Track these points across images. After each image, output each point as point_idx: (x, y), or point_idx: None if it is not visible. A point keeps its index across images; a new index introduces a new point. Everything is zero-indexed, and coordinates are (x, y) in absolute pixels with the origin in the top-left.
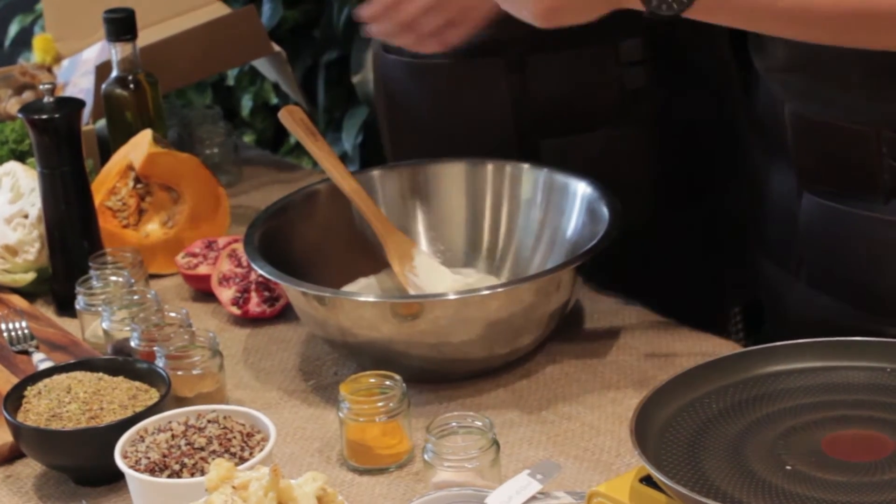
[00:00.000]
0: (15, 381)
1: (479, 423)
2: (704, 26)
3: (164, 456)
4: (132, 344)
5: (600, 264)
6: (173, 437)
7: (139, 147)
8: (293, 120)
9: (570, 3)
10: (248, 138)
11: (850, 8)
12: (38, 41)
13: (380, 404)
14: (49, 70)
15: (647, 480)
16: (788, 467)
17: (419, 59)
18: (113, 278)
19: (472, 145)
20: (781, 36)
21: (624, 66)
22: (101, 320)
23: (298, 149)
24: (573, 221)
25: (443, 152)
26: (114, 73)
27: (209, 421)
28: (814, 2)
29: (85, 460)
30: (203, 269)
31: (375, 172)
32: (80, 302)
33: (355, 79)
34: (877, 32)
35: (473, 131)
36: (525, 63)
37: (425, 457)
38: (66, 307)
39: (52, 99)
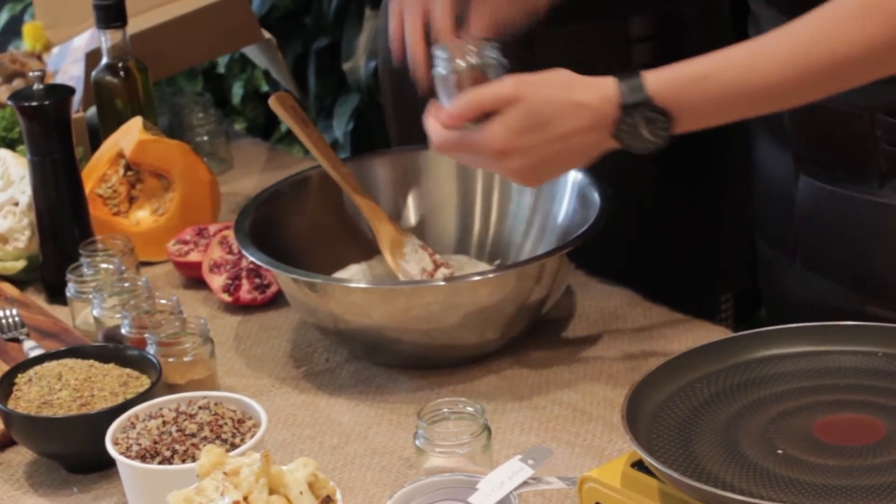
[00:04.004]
0: (5, 368)
1: (470, 409)
2: (707, 8)
3: (156, 442)
4: (123, 331)
5: (593, 249)
6: (164, 423)
7: (130, 134)
8: (284, 107)
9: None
10: (238, 126)
11: (823, 66)
12: (28, 29)
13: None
14: (39, 58)
15: (639, 465)
16: (780, 451)
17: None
18: (103, 266)
19: None
20: (771, 111)
21: (631, 42)
22: (91, 308)
23: (289, 136)
24: (564, 207)
25: None
26: (104, 61)
27: (200, 407)
28: (782, 75)
29: (76, 447)
30: (194, 257)
31: (366, 159)
32: (70, 289)
33: (346, 66)
34: (856, 77)
35: None
36: (533, 38)
37: (417, 443)
38: (56, 295)
39: (41, 86)
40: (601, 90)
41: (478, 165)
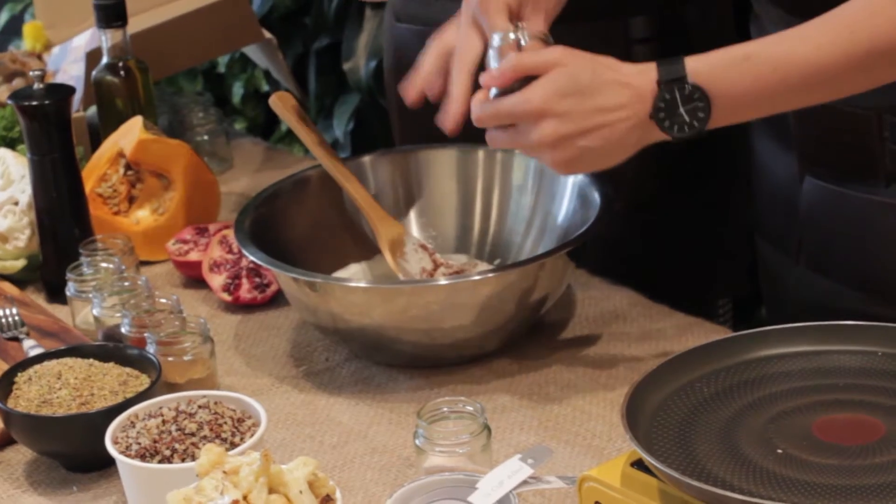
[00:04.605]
0: (5, 367)
1: (470, 408)
2: (710, 8)
3: (155, 441)
4: (123, 330)
5: (593, 248)
6: (164, 422)
7: (130, 134)
8: (284, 107)
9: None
10: (239, 125)
11: (863, 50)
12: (29, 29)
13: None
14: (39, 57)
15: (639, 464)
16: (780, 451)
17: (432, 27)
18: (103, 265)
19: None
20: (811, 105)
21: (632, 42)
22: (91, 307)
23: (290, 136)
24: (564, 207)
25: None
26: (104, 60)
27: (200, 406)
28: (823, 58)
29: (76, 446)
30: (194, 256)
31: (366, 159)
32: (70, 289)
33: (346, 66)
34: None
35: None
36: None
37: (416, 442)
38: (56, 294)
39: (42, 86)
40: (643, 71)
41: (513, 142)
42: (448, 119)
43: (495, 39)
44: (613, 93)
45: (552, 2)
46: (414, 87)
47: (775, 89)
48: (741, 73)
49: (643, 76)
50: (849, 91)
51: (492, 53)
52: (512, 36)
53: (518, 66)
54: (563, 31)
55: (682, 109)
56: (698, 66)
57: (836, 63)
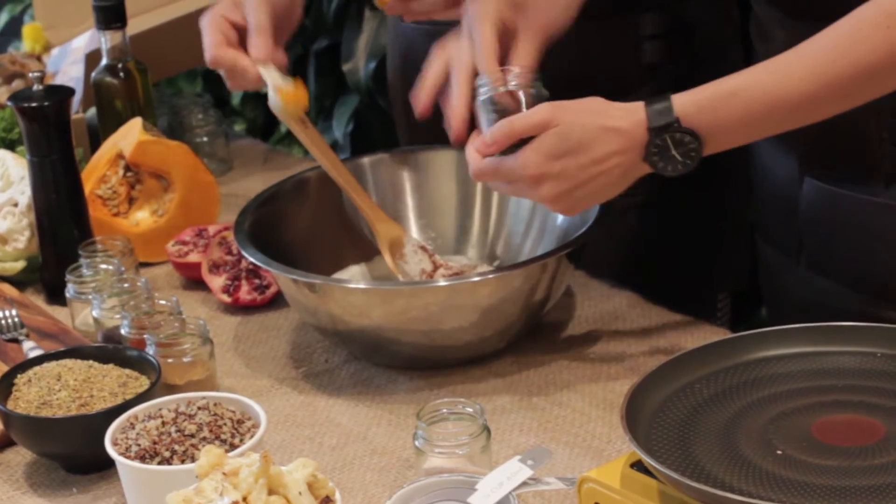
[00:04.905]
0: (5, 369)
1: (469, 410)
2: (715, 7)
3: (155, 443)
4: (122, 332)
5: (592, 249)
6: (164, 424)
7: (129, 135)
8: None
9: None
10: (238, 127)
11: (846, 77)
12: (28, 30)
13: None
14: (39, 59)
15: (638, 466)
16: (779, 452)
17: (439, 27)
18: (103, 266)
19: None
20: (799, 125)
21: (642, 39)
22: (91, 308)
23: (289, 137)
24: None
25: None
26: (103, 62)
27: (199, 408)
28: (806, 88)
29: (75, 448)
30: (193, 257)
31: (366, 160)
32: (70, 290)
33: (346, 67)
34: (882, 86)
35: None
36: None
37: (416, 443)
38: (56, 295)
39: (41, 87)
40: (632, 114)
41: (515, 194)
42: (451, 131)
43: (483, 90)
44: (605, 142)
45: (550, 18)
46: (421, 99)
47: (763, 120)
48: (729, 109)
49: (633, 120)
50: (835, 113)
51: (481, 105)
52: (501, 89)
53: (511, 133)
54: (574, 28)
55: (674, 152)
56: (687, 109)
57: (819, 92)
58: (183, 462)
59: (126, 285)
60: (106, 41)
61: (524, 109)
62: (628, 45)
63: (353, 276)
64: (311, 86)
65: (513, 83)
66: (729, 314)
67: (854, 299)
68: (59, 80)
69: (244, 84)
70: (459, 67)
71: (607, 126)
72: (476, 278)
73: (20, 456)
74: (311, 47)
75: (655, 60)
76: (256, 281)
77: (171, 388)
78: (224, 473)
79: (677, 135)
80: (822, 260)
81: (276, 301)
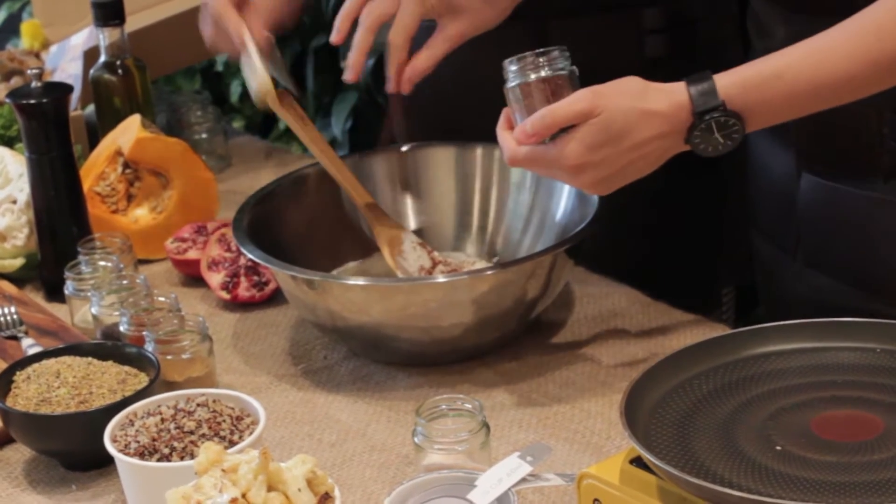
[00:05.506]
0: (4, 366)
1: (469, 406)
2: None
3: (154, 440)
4: (121, 329)
5: (591, 245)
6: (163, 420)
7: (128, 132)
8: (282, 105)
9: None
10: (237, 124)
11: (892, 56)
12: (26, 27)
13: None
14: (37, 56)
15: (638, 462)
16: (778, 448)
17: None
18: (102, 263)
19: (494, 114)
20: (840, 104)
21: (644, 33)
22: (90, 305)
23: (288, 134)
24: (562, 204)
25: (464, 122)
26: (102, 59)
27: (199, 404)
28: (853, 68)
29: (74, 445)
30: (192, 254)
31: (364, 157)
32: (69, 287)
33: (344, 64)
34: None
35: (496, 98)
36: (547, 29)
37: (415, 440)
38: (55, 292)
39: (40, 84)
40: (673, 97)
41: (550, 177)
42: (347, 70)
43: (511, 75)
44: (646, 126)
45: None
46: (339, 28)
47: (807, 100)
48: (774, 91)
49: (674, 102)
50: (875, 91)
51: (511, 92)
52: (533, 76)
53: (552, 124)
54: (577, 23)
55: (717, 134)
56: (731, 91)
57: (864, 71)
58: (182, 459)
59: (125, 282)
60: (104, 38)
61: (561, 89)
62: (630, 40)
63: (352, 273)
64: (310, 83)
65: (543, 71)
66: (733, 309)
67: (852, 296)
68: (57, 77)
69: (220, 46)
70: (369, 13)
71: (648, 110)
72: (475, 275)
73: (19, 453)
74: (310, 45)
75: (657, 55)
76: (255, 278)
77: (171, 385)
78: (223, 470)
79: (722, 118)
80: (819, 256)
81: (275, 298)
